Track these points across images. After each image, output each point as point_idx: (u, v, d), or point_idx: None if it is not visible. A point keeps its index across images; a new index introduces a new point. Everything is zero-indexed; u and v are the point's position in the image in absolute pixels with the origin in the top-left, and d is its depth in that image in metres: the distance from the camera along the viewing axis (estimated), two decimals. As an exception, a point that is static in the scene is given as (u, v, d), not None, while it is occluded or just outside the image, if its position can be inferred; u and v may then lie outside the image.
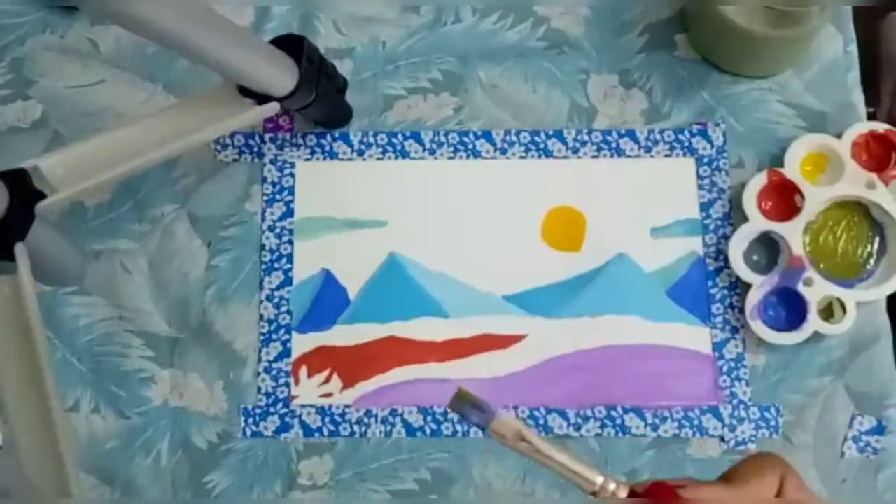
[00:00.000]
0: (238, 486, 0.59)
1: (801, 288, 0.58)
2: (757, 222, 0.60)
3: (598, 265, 0.61)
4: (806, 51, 0.63)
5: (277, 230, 0.62)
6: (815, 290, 0.58)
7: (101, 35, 0.66)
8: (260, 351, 0.61)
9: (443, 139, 0.64)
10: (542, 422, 0.59)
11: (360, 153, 0.64)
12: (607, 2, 0.66)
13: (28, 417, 0.51)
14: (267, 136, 0.64)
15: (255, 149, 0.64)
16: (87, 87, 0.66)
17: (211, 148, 0.64)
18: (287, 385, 0.60)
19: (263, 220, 0.63)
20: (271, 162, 0.64)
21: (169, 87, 0.65)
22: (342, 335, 0.61)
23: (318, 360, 0.60)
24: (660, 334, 0.60)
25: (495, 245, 0.62)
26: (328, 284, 0.61)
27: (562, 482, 0.58)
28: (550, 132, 0.63)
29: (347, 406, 0.59)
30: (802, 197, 0.60)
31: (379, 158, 0.63)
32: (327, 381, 0.60)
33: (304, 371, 0.60)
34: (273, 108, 0.55)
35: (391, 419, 0.59)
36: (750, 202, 0.60)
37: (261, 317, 0.61)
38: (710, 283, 0.61)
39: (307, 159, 0.64)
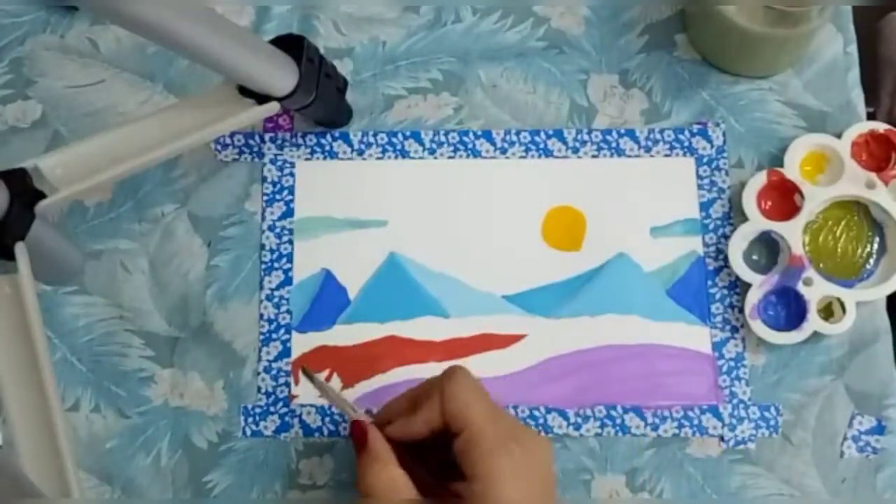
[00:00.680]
0: (238, 485, 0.59)
1: (800, 287, 0.59)
2: (757, 222, 0.60)
3: (598, 265, 0.61)
4: (806, 51, 0.63)
5: (277, 230, 0.62)
6: (815, 289, 0.58)
7: (101, 35, 0.66)
8: (260, 350, 0.61)
9: (443, 139, 0.64)
10: (542, 421, 0.59)
11: (360, 153, 0.64)
12: (607, 2, 0.66)
13: (28, 417, 0.51)
14: (267, 136, 0.64)
15: (255, 148, 0.64)
16: (87, 86, 0.66)
17: (211, 148, 0.64)
18: (287, 385, 0.60)
19: (263, 219, 0.63)
20: (271, 162, 0.64)
21: (169, 87, 0.65)
22: (342, 335, 0.61)
23: (319, 359, 0.60)
24: (660, 334, 0.60)
25: (495, 245, 0.62)
26: (328, 284, 0.62)
27: (561, 482, 0.59)
28: (550, 132, 0.63)
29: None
30: (802, 197, 0.60)
31: (379, 158, 0.63)
32: (327, 380, 0.60)
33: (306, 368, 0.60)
34: (273, 107, 0.55)
35: (391, 419, 0.59)
36: (750, 202, 0.60)
37: (261, 316, 0.61)
38: (709, 283, 0.61)
39: (307, 159, 0.64)
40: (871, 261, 0.60)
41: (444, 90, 0.65)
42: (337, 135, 0.64)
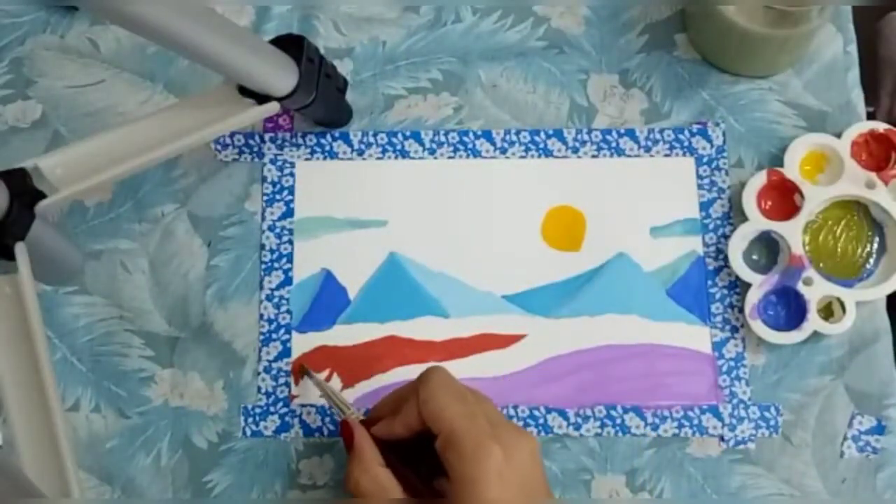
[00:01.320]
0: (238, 485, 0.59)
1: (800, 287, 0.59)
2: (757, 222, 0.60)
3: (598, 265, 0.61)
4: (806, 51, 0.63)
5: (277, 230, 0.62)
6: (815, 289, 0.58)
7: (101, 35, 0.67)
8: (260, 350, 0.61)
9: (443, 139, 0.64)
10: (541, 421, 0.59)
11: (360, 153, 0.64)
12: (607, 2, 0.66)
13: (28, 417, 0.51)
14: (267, 136, 0.64)
15: (255, 148, 0.64)
16: (87, 87, 0.66)
17: (211, 148, 0.64)
18: (287, 385, 0.60)
19: (263, 219, 0.63)
20: (271, 162, 0.64)
21: (169, 87, 0.65)
22: (342, 335, 0.61)
23: (319, 359, 0.60)
24: (659, 334, 0.60)
25: (495, 245, 0.62)
26: (328, 284, 0.62)
27: (561, 482, 0.58)
28: (550, 132, 0.63)
29: (348, 404, 0.59)
30: (802, 196, 0.60)
31: (379, 158, 0.63)
32: (327, 380, 0.60)
33: (302, 369, 0.60)
34: (273, 107, 0.55)
35: (391, 419, 0.59)
36: (750, 202, 0.60)
37: (261, 316, 0.61)
38: (709, 283, 0.61)
39: (307, 159, 0.64)
40: (871, 261, 0.60)
41: (444, 90, 0.65)
42: (337, 135, 0.64)
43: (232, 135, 0.64)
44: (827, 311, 0.59)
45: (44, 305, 0.58)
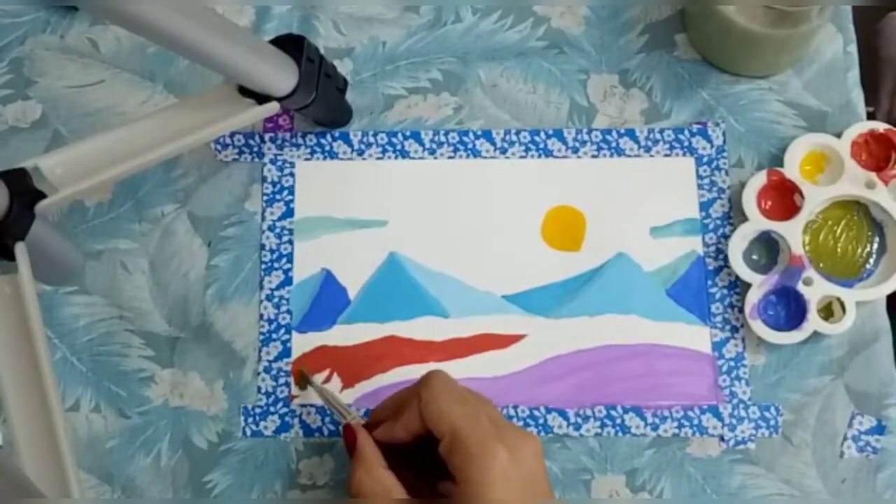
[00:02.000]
0: (238, 485, 0.59)
1: (800, 287, 0.59)
2: (757, 222, 0.60)
3: (598, 265, 0.61)
4: (806, 51, 0.63)
5: (277, 230, 0.62)
6: (815, 289, 0.58)
7: (101, 35, 0.67)
8: (260, 351, 0.61)
9: (443, 139, 0.64)
10: (542, 421, 0.59)
11: (360, 153, 0.64)
12: (607, 2, 0.66)
13: (28, 417, 0.51)
14: (267, 136, 0.64)
15: (255, 148, 0.64)
16: (87, 87, 0.66)
17: (211, 148, 0.64)
18: (287, 385, 0.60)
19: (263, 219, 0.63)
20: (271, 162, 0.64)
21: (169, 87, 0.65)
22: (342, 335, 0.61)
23: (319, 359, 0.60)
24: (659, 334, 0.60)
25: (495, 245, 0.62)
26: (328, 284, 0.62)
27: (561, 482, 0.58)
28: (550, 132, 0.63)
29: (348, 406, 0.59)
30: (802, 196, 0.60)
31: (379, 158, 0.63)
32: (327, 380, 0.60)
33: (303, 370, 0.60)
34: (273, 107, 0.55)
35: (391, 419, 0.59)
36: (750, 202, 0.60)
37: (261, 316, 0.61)
38: (709, 283, 0.61)
39: (307, 159, 0.64)
40: (871, 260, 0.60)
41: (444, 90, 0.65)
42: (337, 135, 0.64)
43: (232, 135, 0.64)
44: (827, 311, 0.59)
45: (44, 305, 0.58)
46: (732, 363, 0.59)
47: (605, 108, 0.64)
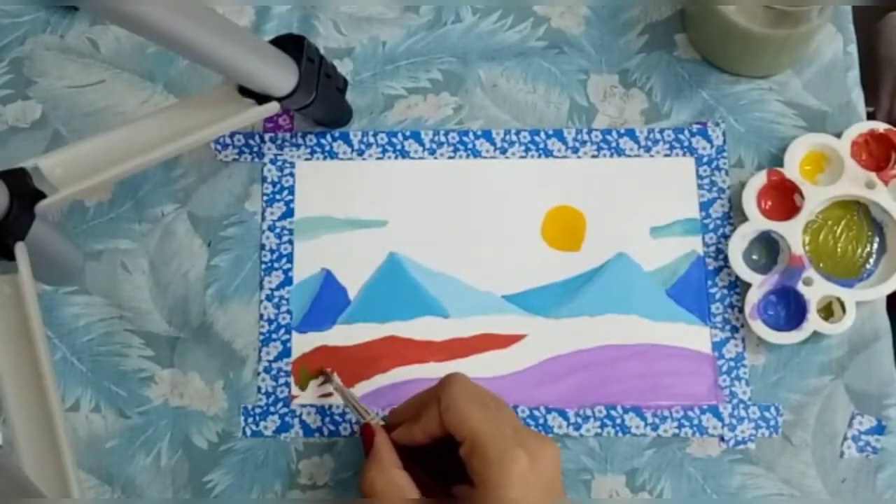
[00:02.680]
0: (238, 485, 0.59)
1: (800, 287, 0.59)
2: (757, 222, 0.60)
3: (598, 265, 0.61)
4: (806, 51, 0.63)
5: (277, 230, 0.62)
6: (815, 289, 0.58)
7: (101, 35, 0.67)
8: (260, 351, 0.61)
9: (443, 139, 0.64)
10: (542, 421, 0.59)
11: (360, 153, 0.64)
12: (607, 2, 0.66)
13: (28, 417, 0.51)
14: (267, 136, 0.64)
15: (255, 149, 0.64)
16: (87, 87, 0.66)
17: (211, 148, 0.64)
18: (287, 385, 0.60)
19: (263, 219, 0.63)
20: (271, 162, 0.64)
21: (169, 87, 0.65)
22: (342, 335, 0.61)
23: (319, 359, 0.60)
24: (659, 334, 0.60)
25: (495, 245, 0.62)
26: (328, 284, 0.62)
27: (562, 482, 0.58)
28: (550, 132, 0.63)
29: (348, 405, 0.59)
30: (802, 196, 0.60)
31: (379, 158, 0.63)
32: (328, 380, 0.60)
33: (304, 371, 0.60)
34: (273, 107, 0.55)
35: (391, 419, 0.59)
36: (750, 202, 0.60)
37: (261, 316, 0.61)
38: (709, 283, 0.61)
39: (307, 159, 0.64)
40: (871, 260, 0.60)
41: (444, 90, 0.65)
42: (337, 135, 0.64)
43: (232, 135, 0.64)
44: (827, 311, 0.59)
45: (44, 305, 0.58)
46: (732, 363, 0.59)
47: (605, 108, 0.64)
